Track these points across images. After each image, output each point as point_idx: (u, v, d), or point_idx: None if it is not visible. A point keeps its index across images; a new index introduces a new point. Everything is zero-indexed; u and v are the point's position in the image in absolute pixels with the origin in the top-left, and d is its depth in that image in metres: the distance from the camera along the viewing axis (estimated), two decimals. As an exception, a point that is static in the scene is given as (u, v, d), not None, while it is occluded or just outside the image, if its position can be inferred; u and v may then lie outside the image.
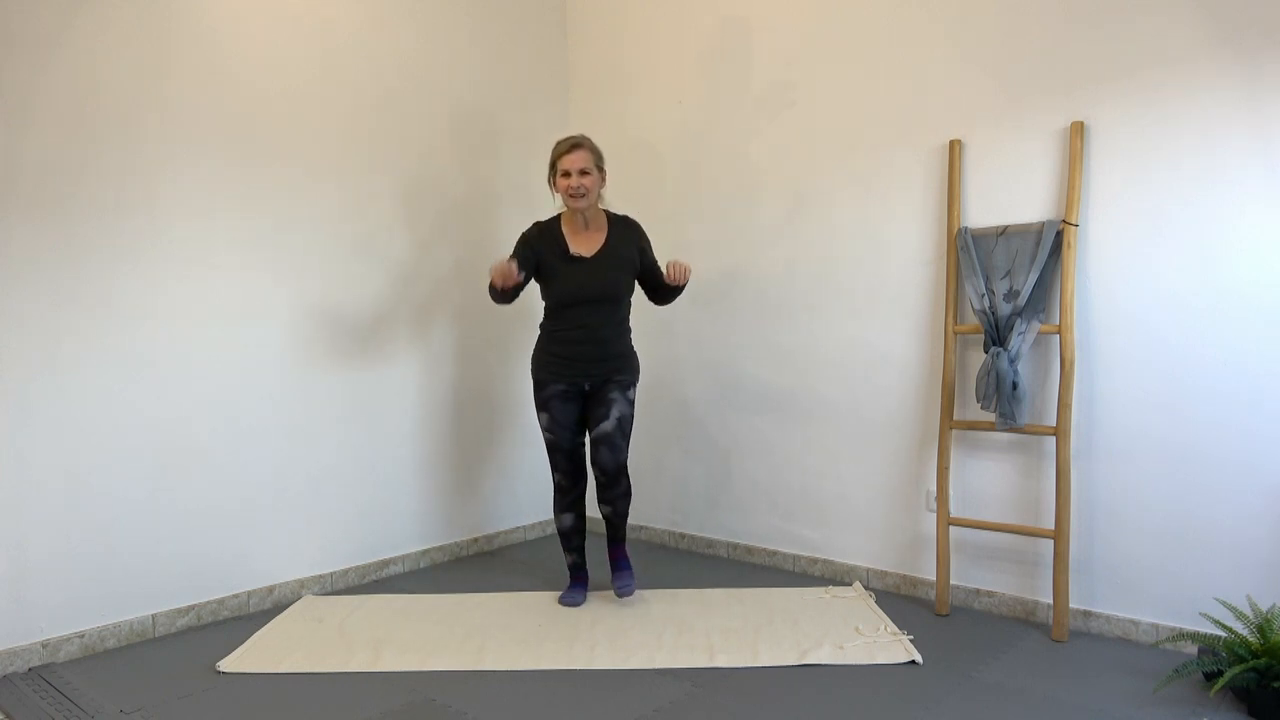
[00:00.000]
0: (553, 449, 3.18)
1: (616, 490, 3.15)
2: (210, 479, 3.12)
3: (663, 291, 3.24)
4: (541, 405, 3.16)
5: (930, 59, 3.20)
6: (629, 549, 3.44)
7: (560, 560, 3.80)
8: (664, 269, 3.15)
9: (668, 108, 3.98)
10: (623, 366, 3.15)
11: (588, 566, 3.39)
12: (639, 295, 3.27)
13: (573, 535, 3.27)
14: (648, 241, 3.23)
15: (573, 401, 3.15)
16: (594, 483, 3.37)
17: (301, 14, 3.34)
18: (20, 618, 2.71)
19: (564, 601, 3.20)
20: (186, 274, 3.05)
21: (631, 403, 3.15)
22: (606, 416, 3.08)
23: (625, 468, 3.14)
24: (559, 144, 3.10)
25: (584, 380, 3.13)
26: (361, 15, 3.53)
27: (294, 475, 3.35)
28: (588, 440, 3.19)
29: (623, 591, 3.21)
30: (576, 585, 3.28)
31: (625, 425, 3.11)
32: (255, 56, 3.21)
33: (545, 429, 3.17)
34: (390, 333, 3.65)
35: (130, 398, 2.92)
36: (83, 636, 2.82)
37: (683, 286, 3.15)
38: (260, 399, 3.24)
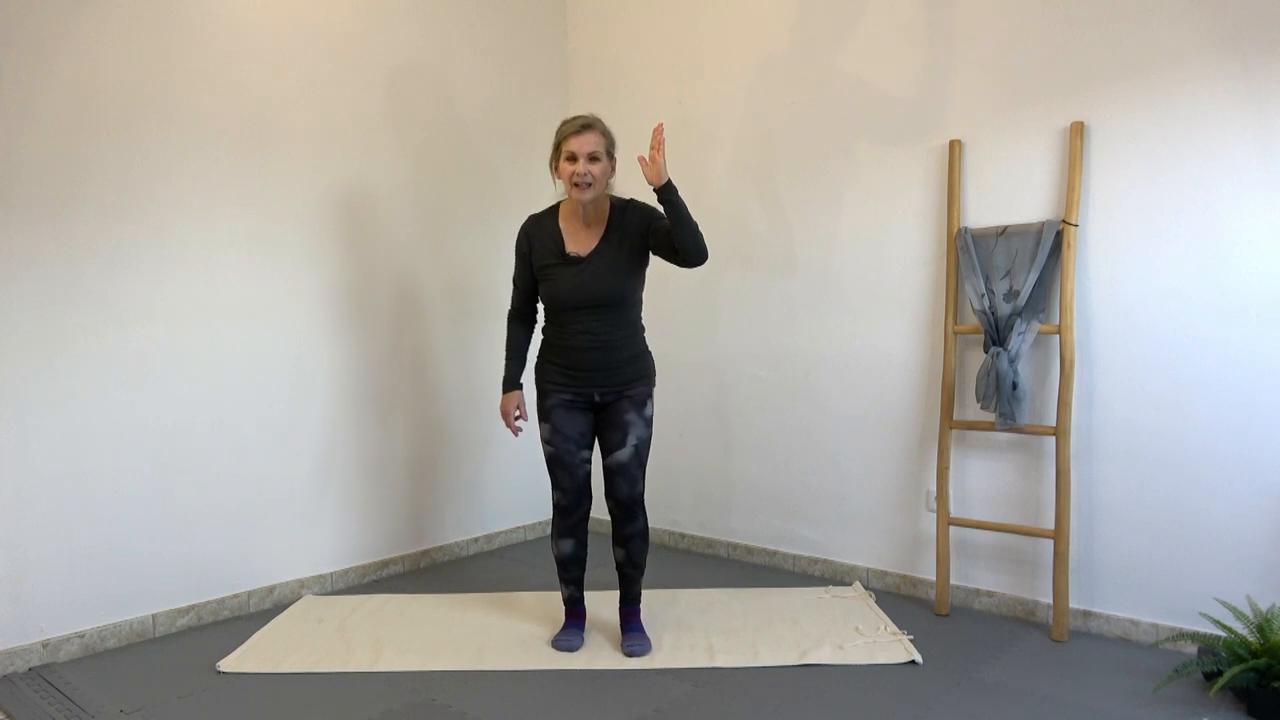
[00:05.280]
0: (553, 463, 2.76)
1: (632, 527, 2.77)
2: (210, 479, 3.12)
3: (679, 243, 2.60)
4: (543, 415, 2.78)
5: (930, 59, 3.20)
6: (644, 615, 2.96)
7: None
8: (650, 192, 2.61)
9: (668, 108, 3.98)
10: (636, 375, 2.76)
11: (585, 600, 2.94)
12: (655, 289, 2.79)
13: (571, 565, 2.82)
14: (656, 214, 2.72)
15: (578, 411, 2.77)
16: (608, 515, 2.87)
17: (303, 14, 3.34)
18: (20, 618, 2.71)
19: (559, 646, 2.79)
20: (187, 274, 3.05)
21: (649, 420, 2.77)
22: (622, 444, 2.72)
23: (642, 501, 2.78)
24: (566, 123, 2.66)
25: (593, 391, 2.75)
26: (363, 15, 3.53)
27: (294, 475, 3.35)
28: (601, 465, 2.82)
29: (633, 651, 2.76)
30: (572, 625, 2.86)
31: (643, 451, 2.76)
32: (256, 56, 3.21)
33: (545, 440, 2.77)
34: (390, 332, 3.65)
35: (130, 398, 2.92)
36: (83, 636, 2.82)
37: (686, 212, 2.57)
38: (260, 399, 3.24)
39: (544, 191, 4.18)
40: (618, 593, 2.92)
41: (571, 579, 2.85)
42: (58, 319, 2.77)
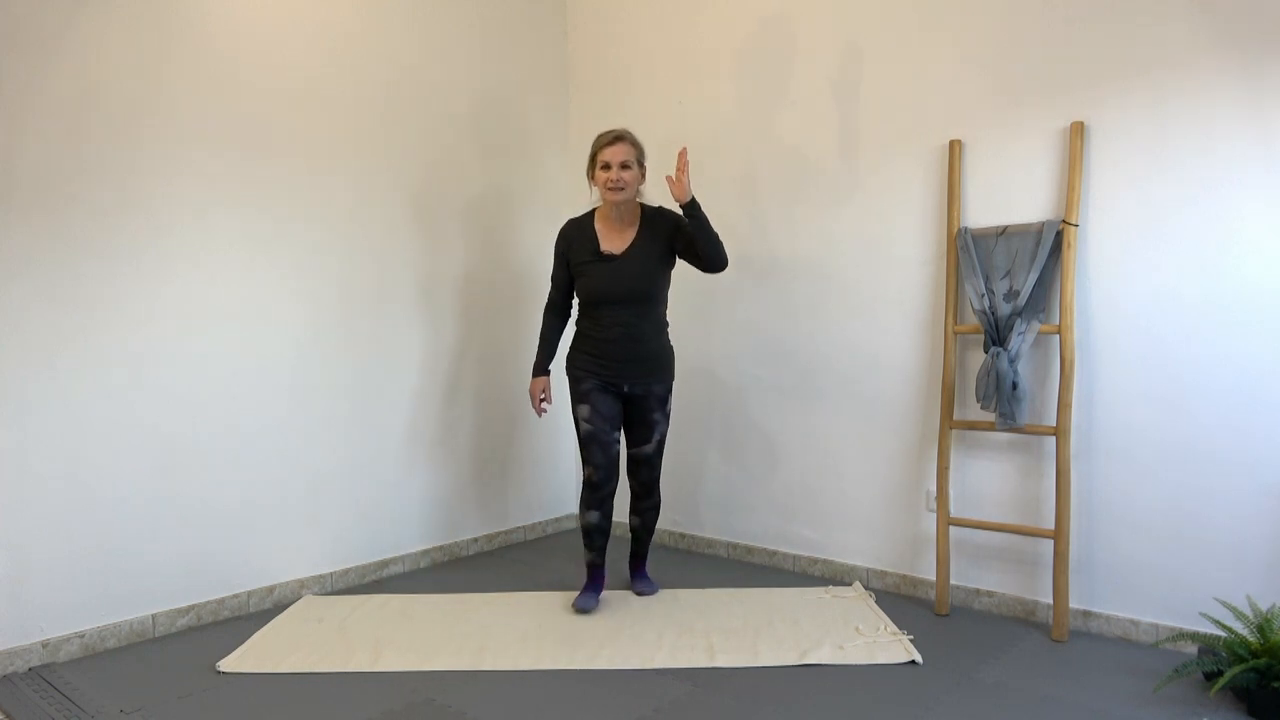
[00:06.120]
0: (589, 441, 3.09)
1: (649, 502, 3.29)
2: (210, 479, 3.12)
3: (702, 251, 2.99)
4: (581, 398, 3.10)
5: (930, 59, 3.20)
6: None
7: (561, 560, 3.81)
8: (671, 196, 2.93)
9: (668, 108, 3.98)
10: (659, 369, 3.14)
11: (605, 568, 3.28)
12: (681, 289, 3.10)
13: (596, 534, 3.16)
14: (684, 220, 3.02)
15: (611, 395, 3.12)
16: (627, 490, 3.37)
17: (303, 14, 3.34)
18: (20, 618, 2.71)
19: (579, 606, 3.10)
20: (187, 274, 3.04)
21: (668, 414, 3.22)
22: (648, 440, 3.18)
23: (659, 481, 3.28)
24: (600, 136, 3.05)
25: (622, 383, 3.10)
26: (362, 15, 3.53)
27: (294, 475, 3.35)
28: (624, 450, 3.24)
29: (643, 591, 3.32)
30: (591, 588, 3.18)
31: (663, 443, 3.23)
32: (257, 56, 3.21)
33: (584, 420, 3.09)
34: (391, 332, 3.65)
35: (130, 398, 2.92)
36: (83, 636, 2.82)
37: (708, 225, 2.95)
38: (261, 399, 3.24)
39: (541, 190, 4.20)
40: (621, 593, 3.22)
41: (595, 546, 3.18)
42: (58, 319, 2.77)
